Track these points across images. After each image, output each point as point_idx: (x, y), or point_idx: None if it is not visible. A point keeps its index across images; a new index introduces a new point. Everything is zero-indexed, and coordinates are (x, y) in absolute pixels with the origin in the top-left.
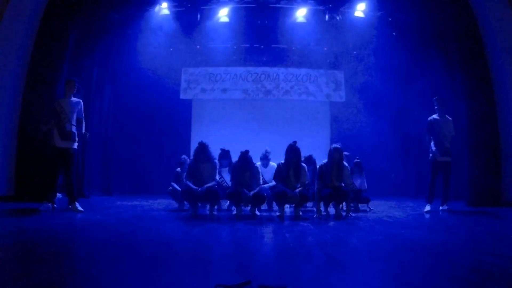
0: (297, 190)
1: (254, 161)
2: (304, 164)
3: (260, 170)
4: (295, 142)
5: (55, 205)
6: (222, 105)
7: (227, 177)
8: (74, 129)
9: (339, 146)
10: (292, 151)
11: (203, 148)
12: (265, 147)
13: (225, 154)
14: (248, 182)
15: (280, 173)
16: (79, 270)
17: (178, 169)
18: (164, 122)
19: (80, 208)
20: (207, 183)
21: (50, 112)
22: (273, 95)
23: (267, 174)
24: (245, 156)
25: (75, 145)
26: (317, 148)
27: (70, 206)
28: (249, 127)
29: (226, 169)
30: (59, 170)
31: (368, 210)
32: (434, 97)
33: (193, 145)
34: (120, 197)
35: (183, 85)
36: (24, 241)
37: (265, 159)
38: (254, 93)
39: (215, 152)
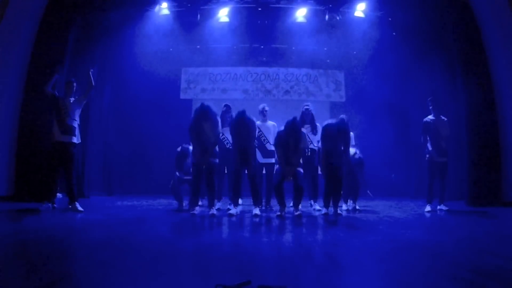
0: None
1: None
2: (304, 131)
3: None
4: (295, 118)
5: (55, 205)
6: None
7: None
8: (75, 124)
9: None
10: (292, 123)
11: (205, 108)
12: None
13: (227, 109)
14: (245, 138)
15: (280, 139)
16: (79, 270)
17: (179, 148)
18: (164, 122)
19: (80, 208)
20: (209, 141)
21: (49, 101)
22: (273, 95)
23: (264, 130)
24: (242, 116)
25: (76, 140)
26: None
27: (70, 206)
28: None
29: (227, 128)
30: (59, 169)
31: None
32: (429, 97)
33: None
34: (120, 197)
35: (183, 85)
36: (24, 241)
37: (261, 114)
38: (254, 93)
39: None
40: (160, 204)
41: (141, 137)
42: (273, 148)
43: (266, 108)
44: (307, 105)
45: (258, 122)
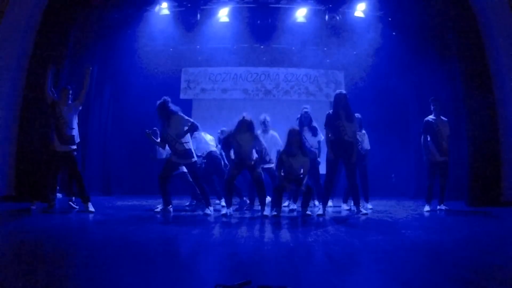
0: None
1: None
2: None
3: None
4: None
5: (54, 203)
6: (222, 105)
7: None
8: (74, 132)
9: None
10: (293, 133)
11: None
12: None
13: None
14: (248, 145)
15: (288, 153)
16: (79, 270)
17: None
18: None
19: (91, 209)
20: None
21: (48, 108)
22: (273, 95)
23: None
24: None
25: (75, 147)
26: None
27: (84, 205)
28: None
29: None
30: (57, 171)
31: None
32: (431, 97)
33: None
34: (120, 197)
35: (183, 85)
36: (24, 241)
37: (262, 125)
38: (254, 93)
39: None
40: (160, 204)
41: (141, 137)
42: (271, 157)
43: (268, 119)
44: (306, 108)
45: (258, 132)
